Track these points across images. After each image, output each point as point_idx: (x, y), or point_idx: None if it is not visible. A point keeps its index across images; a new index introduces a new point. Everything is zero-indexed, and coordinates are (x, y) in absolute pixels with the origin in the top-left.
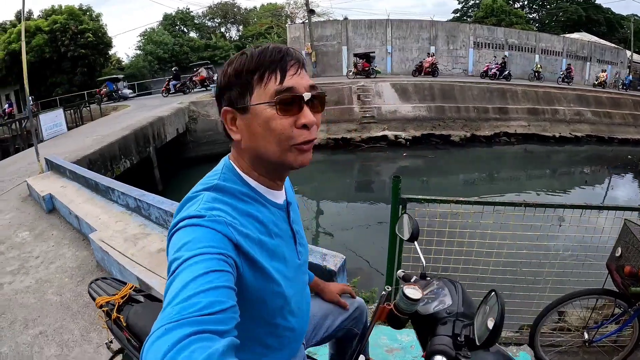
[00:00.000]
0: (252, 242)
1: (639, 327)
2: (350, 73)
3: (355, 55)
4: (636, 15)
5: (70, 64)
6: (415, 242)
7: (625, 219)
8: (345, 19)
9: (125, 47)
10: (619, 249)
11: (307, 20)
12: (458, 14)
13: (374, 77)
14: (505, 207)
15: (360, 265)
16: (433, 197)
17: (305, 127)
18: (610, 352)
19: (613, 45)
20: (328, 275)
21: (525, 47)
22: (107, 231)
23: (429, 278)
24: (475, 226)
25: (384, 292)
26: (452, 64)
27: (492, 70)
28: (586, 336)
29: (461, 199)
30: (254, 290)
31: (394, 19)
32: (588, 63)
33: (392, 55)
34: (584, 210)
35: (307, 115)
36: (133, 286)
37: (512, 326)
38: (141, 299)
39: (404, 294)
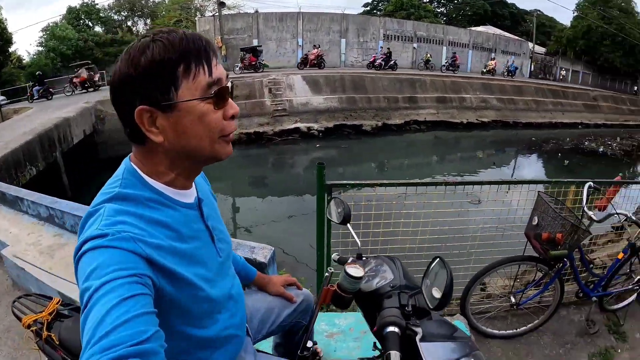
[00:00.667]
0: (165, 252)
1: (559, 287)
2: (237, 68)
3: (242, 49)
4: (539, 11)
5: None
6: (348, 225)
7: (538, 192)
8: (256, 11)
9: (26, 43)
10: (536, 218)
11: (217, 13)
12: (369, 8)
13: (262, 71)
14: (427, 187)
15: (282, 257)
16: (358, 182)
17: (232, 117)
18: (536, 312)
19: (517, 37)
20: (258, 268)
21: (433, 40)
22: (20, 245)
23: (365, 258)
24: (399, 207)
25: (326, 274)
26: (363, 56)
27: (378, 61)
28: (513, 300)
29: (385, 181)
30: (177, 300)
31: (305, 11)
32: (493, 54)
33: (303, 48)
34: (499, 185)
35: (234, 105)
36: (60, 300)
37: None
38: (70, 312)
39: (347, 273)
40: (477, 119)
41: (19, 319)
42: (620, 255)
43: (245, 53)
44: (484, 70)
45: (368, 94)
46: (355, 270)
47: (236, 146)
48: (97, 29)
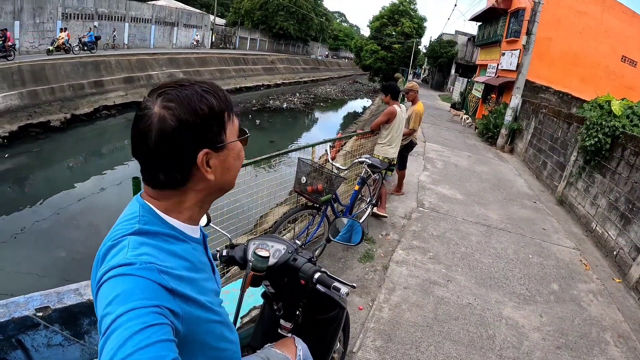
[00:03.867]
0: (185, 283)
1: (327, 221)
2: None
3: None
4: None
5: None
6: (211, 224)
7: (298, 157)
8: None
9: None
10: (304, 177)
11: None
12: None
13: None
14: None
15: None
16: None
17: None
18: (315, 245)
19: (198, 10)
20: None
21: (115, 16)
22: None
23: (238, 245)
24: None
25: (250, 263)
26: (39, 40)
27: None
28: (299, 243)
29: None
30: (199, 322)
31: None
32: (176, 28)
33: None
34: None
35: None
36: None
37: None
38: None
39: (258, 255)
40: None
41: None
42: (357, 187)
43: None
44: (51, 48)
45: (51, 84)
46: (262, 252)
47: None
48: None
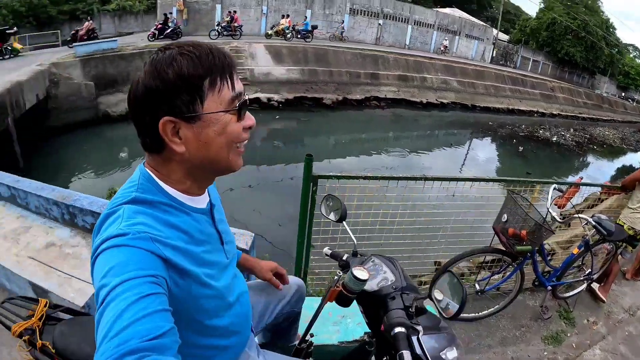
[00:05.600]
0: (179, 253)
1: (521, 277)
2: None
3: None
4: None
5: None
6: (344, 222)
7: (507, 190)
8: None
9: None
10: (505, 215)
11: None
12: None
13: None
14: (408, 181)
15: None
16: (343, 174)
17: (249, 128)
18: (496, 297)
19: (482, 23)
20: None
21: (399, 17)
22: None
23: (360, 255)
24: (380, 199)
25: (336, 277)
26: (327, 29)
27: (152, 30)
28: (478, 287)
29: (369, 175)
30: (189, 298)
31: None
32: (457, 37)
33: (267, 17)
34: (473, 182)
35: (251, 117)
36: (47, 302)
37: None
38: (62, 315)
39: (354, 276)
40: (437, 100)
41: (8, 327)
42: (576, 251)
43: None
44: (270, 32)
45: (330, 67)
46: (361, 273)
47: None
48: None
